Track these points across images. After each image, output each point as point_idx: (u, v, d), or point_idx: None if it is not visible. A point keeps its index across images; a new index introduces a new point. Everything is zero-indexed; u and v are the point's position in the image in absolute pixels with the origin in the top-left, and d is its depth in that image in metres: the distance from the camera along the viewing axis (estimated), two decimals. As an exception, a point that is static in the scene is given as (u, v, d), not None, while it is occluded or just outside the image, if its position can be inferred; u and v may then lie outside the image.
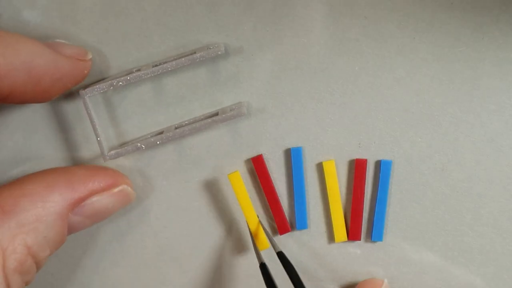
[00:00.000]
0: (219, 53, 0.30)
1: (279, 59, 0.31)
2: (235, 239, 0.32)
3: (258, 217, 0.31)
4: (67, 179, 0.29)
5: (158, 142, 0.30)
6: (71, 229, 0.29)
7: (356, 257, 0.32)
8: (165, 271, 0.33)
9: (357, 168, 0.31)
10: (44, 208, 0.27)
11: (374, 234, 0.32)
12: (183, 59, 0.30)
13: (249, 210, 0.31)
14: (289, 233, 0.32)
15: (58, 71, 0.28)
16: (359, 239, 0.32)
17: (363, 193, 0.32)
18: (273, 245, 0.30)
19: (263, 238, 0.31)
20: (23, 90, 0.27)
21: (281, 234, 0.32)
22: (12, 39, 0.27)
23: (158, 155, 0.32)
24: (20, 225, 0.27)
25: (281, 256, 0.29)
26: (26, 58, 0.27)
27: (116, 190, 0.30)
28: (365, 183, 0.31)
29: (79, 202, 0.28)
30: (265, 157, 0.32)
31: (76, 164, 0.32)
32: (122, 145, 0.32)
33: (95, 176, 0.29)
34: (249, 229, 0.31)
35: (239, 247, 0.32)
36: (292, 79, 0.31)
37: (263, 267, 0.29)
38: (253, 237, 0.31)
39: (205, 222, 0.32)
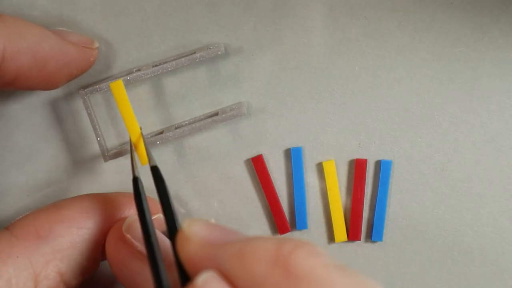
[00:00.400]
0: (219, 53, 0.30)
1: (279, 59, 0.31)
2: (235, 239, 0.32)
3: (141, 129, 0.29)
4: (103, 206, 0.28)
5: (158, 142, 0.30)
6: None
7: (356, 257, 0.32)
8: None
9: (357, 168, 0.31)
10: (79, 235, 0.27)
11: (374, 234, 0.32)
12: (183, 59, 0.30)
13: (131, 121, 0.29)
14: (289, 233, 0.32)
15: (64, 57, 0.28)
16: (359, 239, 0.32)
17: (363, 193, 0.32)
18: (149, 159, 0.28)
19: (144, 153, 0.29)
20: (28, 74, 0.27)
21: (281, 234, 0.32)
22: (18, 23, 0.27)
23: (158, 155, 0.32)
24: (54, 251, 0.26)
25: (154, 171, 0.27)
26: (32, 41, 0.27)
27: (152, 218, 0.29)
28: (365, 183, 0.31)
29: None
30: (265, 157, 0.32)
31: (78, 163, 0.32)
32: (122, 145, 0.32)
33: (131, 203, 0.29)
34: (130, 141, 0.29)
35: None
36: (292, 79, 0.31)
37: (135, 182, 0.27)
38: (134, 149, 0.29)
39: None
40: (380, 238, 0.32)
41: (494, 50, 0.30)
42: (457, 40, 0.30)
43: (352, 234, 0.32)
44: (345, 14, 0.30)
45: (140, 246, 0.26)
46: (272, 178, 0.32)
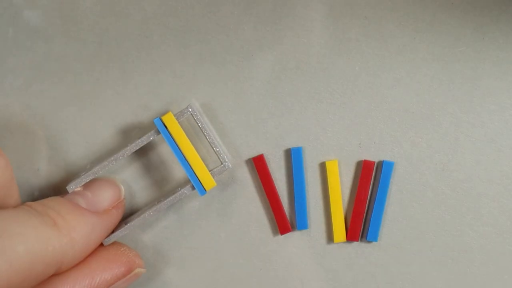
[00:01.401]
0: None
1: (279, 59, 0.31)
2: (236, 239, 0.32)
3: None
4: (86, 271, 0.29)
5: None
6: None
7: (356, 257, 0.32)
8: (164, 271, 0.33)
9: (364, 169, 0.31)
10: None
11: (370, 233, 0.32)
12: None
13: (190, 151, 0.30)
14: (289, 233, 0.32)
15: (105, 235, 0.30)
16: (357, 240, 0.32)
17: (367, 195, 0.31)
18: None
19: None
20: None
21: (282, 234, 0.32)
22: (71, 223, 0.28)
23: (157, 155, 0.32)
24: None
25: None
26: (83, 244, 0.28)
27: (130, 275, 0.30)
28: (370, 185, 0.31)
29: None
30: (265, 157, 0.32)
31: (76, 163, 0.32)
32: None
33: (112, 264, 0.30)
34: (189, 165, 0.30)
35: (240, 248, 0.32)
36: (292, 79, 0.31)
37: None
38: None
39: (204, 222, 0.32)
40: (375, 239, 0.32)
41: (494, 50, 0.30)
42: (457, 40, 0.30)
43: (351, 235, 0.32)
44: (345, 14, 0.30)
45: None
46: (272, 178, 0.32)
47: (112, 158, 0.30)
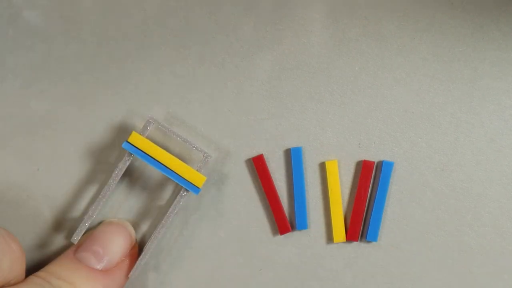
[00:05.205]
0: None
1: (279, 59, 0.31)
2: (236, 239, 0.32)
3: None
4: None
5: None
6: None
7: (356, 257, 0.32)
8: (164, 272, 0.33)
9: (363, 169, 0.31)
10: None
11: (370, 234, 0.32)
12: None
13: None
14: (289, 233, 0.32)
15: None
16: (357, 240, 0.32)
17: (367, 195, 0.31)
18: None
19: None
20: None
21: (281, 234, 0.32)
22: None
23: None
24: None
25: None
26: None
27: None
28: (369, 185, 0.31)
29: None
30: (265, 157, 0.32)
31: (77, 163, 0.32)
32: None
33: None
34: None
35: (240, 248, 0.32)
36: (292, 79, 0.31)
37: None
38: None
39: (204, 222, 0.32)
40: (375, 239, 0.32)
41: (494, 50, 0.30)
42: (457, 40, 0.30)
43: (350, 235, 0.32)
44: (345, 14, 0.30)
45: None
46: (272, 178, 0.32)
47: (101, 196, 0.30)
